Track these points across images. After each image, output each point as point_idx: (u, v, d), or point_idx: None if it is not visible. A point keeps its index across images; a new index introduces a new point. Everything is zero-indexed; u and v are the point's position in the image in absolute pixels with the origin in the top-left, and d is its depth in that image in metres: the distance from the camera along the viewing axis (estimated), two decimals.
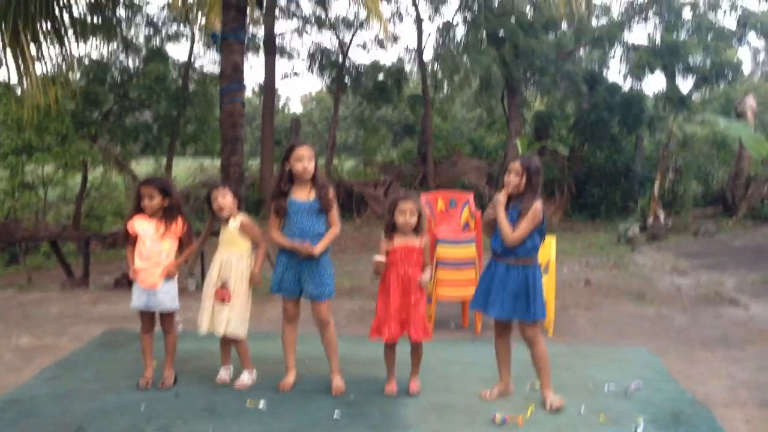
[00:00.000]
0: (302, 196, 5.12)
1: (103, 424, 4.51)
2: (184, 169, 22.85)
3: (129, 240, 5.28)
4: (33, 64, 9.56)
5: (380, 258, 5.03)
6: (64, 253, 12.15)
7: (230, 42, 9.10)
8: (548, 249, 6.87)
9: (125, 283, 9.50)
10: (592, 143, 19.49)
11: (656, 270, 10.89)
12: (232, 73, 9.12)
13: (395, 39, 21.65)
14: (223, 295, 5.22)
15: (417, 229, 5.05)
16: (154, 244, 5.19)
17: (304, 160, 5.04)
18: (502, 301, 4.89)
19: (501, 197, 4.90)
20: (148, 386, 5.21)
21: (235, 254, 5.29)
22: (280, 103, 40.72)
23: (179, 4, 12.02)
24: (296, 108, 44.58)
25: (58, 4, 9.96)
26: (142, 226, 5.21)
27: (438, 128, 21.64)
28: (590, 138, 19.36)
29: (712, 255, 12.06)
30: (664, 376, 5.68)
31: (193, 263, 9.13)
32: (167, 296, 5.22)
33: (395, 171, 20.82)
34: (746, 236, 14.60)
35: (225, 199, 5.27)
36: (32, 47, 9.57)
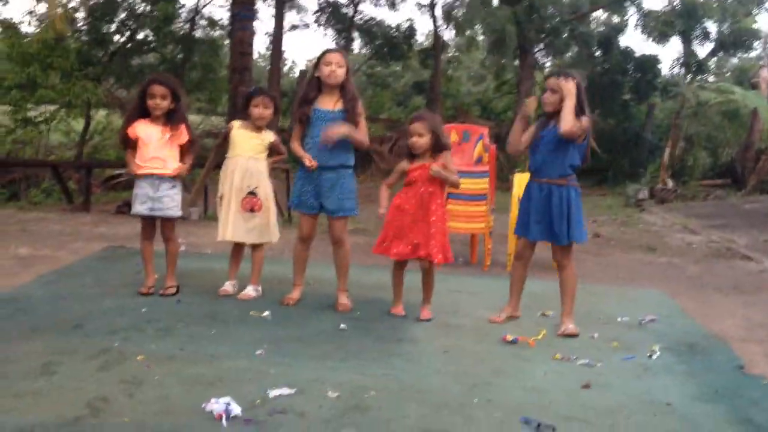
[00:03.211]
0: (328, 104, 4.91)
1: (102, 323, 4.37)
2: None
3: (129, 144, 5.05)
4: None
5: (382, 210, 4.83)
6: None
7: None
8: None
9: (126, 210, 9.36)
10: (602, 108, 19.21)
11: (666, 228, 10.74)
12: None
13: None
14: (252, 203, 5.09)
15: (436, 148, 4.84)
16: (158, 149, 4.98)
17: (332, 64, 4.83)
18: (540, 222, 4.70)
19: (571, 86, 4.56)
20: (150, 293, 5.06)
21: (259, 161, 5.15)
22: (285, 67, 40.09)
23: None
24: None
25: None
26: (146, 130, 4.99)
27: (447, 88, 21.38)
28: (601, 103, 19.09)
29: (722, 216, 11.89)
30: (678, 313, 5.54)
31: (196, 194, 8.98)
32: (172, 202, 5.04)
33: (401, 128, 20.59)
34: (756, 201, 14.40)
35: (268, 110, 5.11)
36: None
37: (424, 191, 4.79)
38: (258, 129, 5.14)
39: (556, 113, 4.65)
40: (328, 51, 4.97)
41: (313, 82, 4.96)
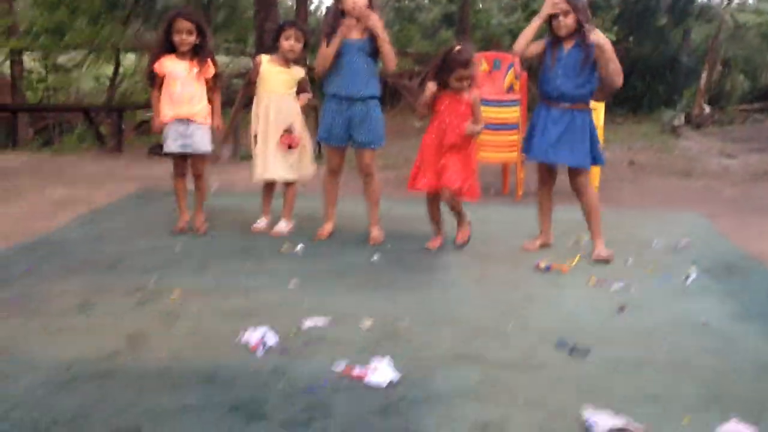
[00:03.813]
0: (355, 35, 4.83)
1: (137, 261, 4.42)
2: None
3: (155, 83, 5.02)
4: None
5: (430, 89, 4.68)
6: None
7: None
8: (597, 114, 6.56)
9: (159, 152, 9.41)
10: (637, 35, 18.70)
11: (703, 153, 10.55)
12: None
13: None
14: (290, 140, 5.08)
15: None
16: (186, 86, 4.96)
17: None
18: (560, 146, 4.62)
19: (604, 38, 4.52)
20: (184, 231, 5.10)
21: (289, 97, 5.13)
22: (312, 6, 39.24)
23: None
24: None
25: None
26: (174, 66, 4.96)
27: (477, 19, 20.92)
28: (635, 29, 18.57)
29: (760, 140, 11.63)
30: (715, 235, 5.47)
31: (227, 133, 8.96)
32: (204, 137, 5.04)
33: (431, 62, 20.30)
34: None
35: (299, 43, 5.05)
36: None
37: (449, 122, 4.70)
38: (287, 63, 5.09)
39: (570, 35, 4.55)
40: None
41: (338, 13, 4.87)
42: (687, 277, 4.31)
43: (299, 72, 5.14)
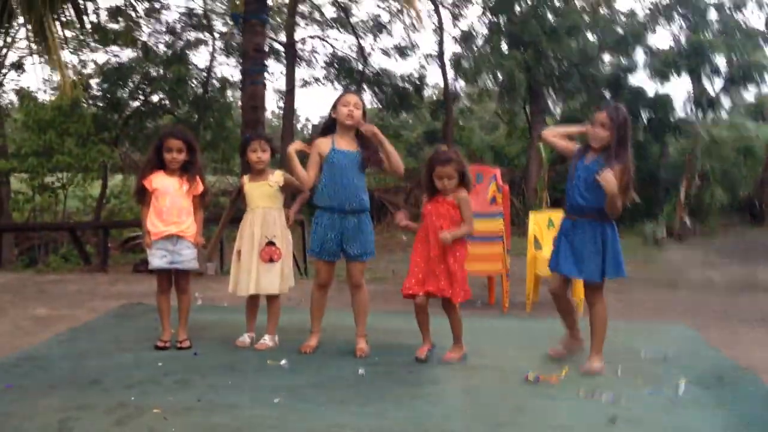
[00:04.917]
0: (347, 146, 4.92)
1: (119, 377, 4.32)
2: None
3: (144, 199, 5.07)
4: (61, 62, 9.50)
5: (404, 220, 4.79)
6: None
7: (253, 23, 9.02)
8: None
9: (144, 269, 9.37)
10: None
11: (687, 264, 10.62)
12: (255, 54, 9.02)
13: (414, 47, 21.34)
14: (272, 253, 5.06)
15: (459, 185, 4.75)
16: (175, 201, 5.01)
17: (351, 105, 4.86)
18: (571, 258, 4.61)
19: (613, 185, 4.32)
20: (167, 347, 5.02)
21: (275, 210, 5.13)
22: (299, 125, 39.97)
23: None
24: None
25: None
26: (163, 182, 5.02)
27: (460, 137, 21.46)
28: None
29: (743, 251, 11.79)
30: (704, 345, 5.43)
31: (212, 249, 8.98)
32: (191, 254, 5.04)
33: (416, 178, 20.61)
34: None
35: (265, 153, 5.11)
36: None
37: (433, 224, 4.71)
38: (262, 175, 5.15)
39: (598, 149, 4.50)
40: (345, 92, 5.04)
41: (328, 121, 4.99)
42: (678, 388, 4.25)
43: (278, 177, 5.15)
